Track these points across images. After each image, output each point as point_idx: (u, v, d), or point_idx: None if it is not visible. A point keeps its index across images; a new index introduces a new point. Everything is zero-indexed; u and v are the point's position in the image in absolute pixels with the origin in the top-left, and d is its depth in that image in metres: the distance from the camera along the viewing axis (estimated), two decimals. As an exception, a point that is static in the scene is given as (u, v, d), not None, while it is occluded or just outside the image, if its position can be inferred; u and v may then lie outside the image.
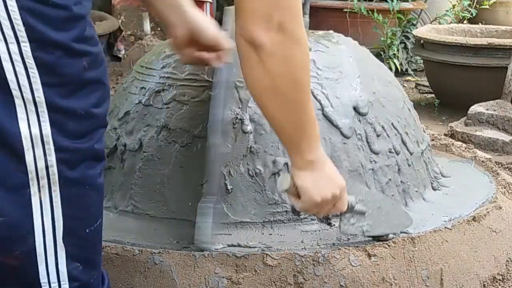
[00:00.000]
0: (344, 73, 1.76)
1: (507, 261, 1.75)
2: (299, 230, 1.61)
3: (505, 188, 1.99)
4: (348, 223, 1.51)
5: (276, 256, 1.50)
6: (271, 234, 1.60)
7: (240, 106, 1.65)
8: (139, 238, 1.59)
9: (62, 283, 1.09)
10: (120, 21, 5.43)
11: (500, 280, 1.70)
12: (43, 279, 1.08)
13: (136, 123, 1.73)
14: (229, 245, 1.55)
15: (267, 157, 1.63)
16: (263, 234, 1.60)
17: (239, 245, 1.55)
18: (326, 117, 1.68)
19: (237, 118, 1.64)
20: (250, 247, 1.54)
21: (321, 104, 1.68)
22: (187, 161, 1.65)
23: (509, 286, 1.70)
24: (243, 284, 1.49)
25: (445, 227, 1.66)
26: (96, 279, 1.16)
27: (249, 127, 1.63)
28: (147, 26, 5.14)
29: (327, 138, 1.66)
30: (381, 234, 1.57)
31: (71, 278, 1.10)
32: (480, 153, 2.29)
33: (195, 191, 1.63)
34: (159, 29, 5.59)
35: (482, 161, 2.15)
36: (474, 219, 1.72)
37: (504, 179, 2.03)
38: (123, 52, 5.20)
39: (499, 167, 2.46)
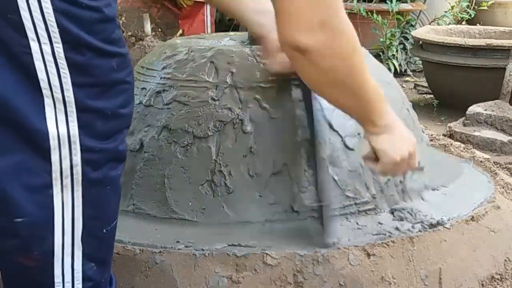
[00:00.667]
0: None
1: (505, 260, 1.75)
2: (299, 229, 1.62)
3: (503, 188, 1.99)
4: (411, 180, 1.56)
5: (276, 256, 1.51)
6: (271, 234, 1.61)
7: (240, 106, 1.66)
8: (139, 237, 1.60)
9: (76, 282, 1.09)
10: (120, 22, 5.44)
11: (498, 279, 1.71)
12: (57, 279, 1.08)
13: (137, 124, 1.74)
14: (229, 245, 1.55)
15: (267, 157, 1.64)
16: (263, 233, 1.61)
17: (239, 245, 1.55)
18: (325, 118, 1.68)
19: (237, 118, 1.65)
20: (250, 246, 1.55)
21: (321, 105, 1.69)
22: (187, 161, 1.66)
23: (507, 286, 1.70)
24: (243, 284, 1.49)
25: (444, 227, 1.67)
26: (106, 280, 1.17)
27: (249, 127, 1.64)
28: (147, 27, 5.14)
29: (327, 139, 1.67)
30: (441, 185, 1.64)
31: (85, 278, 1.10)
32: (478, 153, 2.29)
33: (195, 191, 1.64)
34: (159, 30, 5.59)
35: (481, 161, 2.16)
36: (472, 219, 1.73)
37: (502, 179, 2.03)
38: (123, 52, 5.20)
39: (497, 167, 2.46)
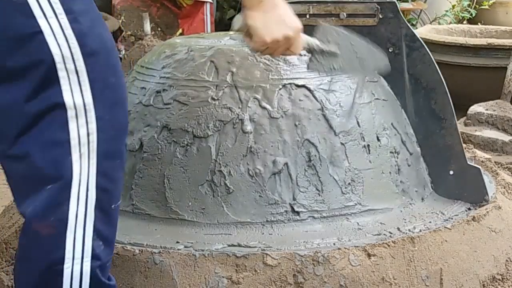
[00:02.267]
0: (345, 74, 1.76)
1: (507, 261, 1.75)
2: (299, 230, 1.61)
3: (504, 188, 1.99)
4: (317, 62, 1.49)
5: (276, 256, 1.51)
6: (271, 234, 1.60)
7: (240, 106, 1.66)
8: (139, 238, 1.59)
9: (85, 259, 1.11)
10: (120, 21, 5.43)
11: (499, 280, 1.70)
12: (68, 254, 1.10)
13: (136, 123, 1.74)
14: (229, 245, 1.55)
15: (267, 157, 1.63)
16: (263, 234, 1.60)
17: (239, 245, 1.55)
18: (325, 118, 1.68)
19: (237, 118, 1.65)
20: (250, 247, 1.54)
21: (322, 104, 1.69)
22: (187, 161, 1.66)
23: (509, 286, 1.70)
24: (243, 284, 1.49)
25: (445, 227, 1.66)
26: (110, 264, 1.18)
27: (249, 127, 1.64)
28: (147, 26, 5.14)
29: (327, 138, 1.67)
30: (352, 75, 1.61)
31: (94, 256, 1.12)
32: (479, 153, 2.29)
33: (195, 191, 1.64)
34: (159, 29, 5.58)
35: (482, 161, 2.15)
36: (473, 219, 1.72)
37: (503, 179, 2.03)
38: (123, 52, 5.20)
39: (498, 167, 2.45)
